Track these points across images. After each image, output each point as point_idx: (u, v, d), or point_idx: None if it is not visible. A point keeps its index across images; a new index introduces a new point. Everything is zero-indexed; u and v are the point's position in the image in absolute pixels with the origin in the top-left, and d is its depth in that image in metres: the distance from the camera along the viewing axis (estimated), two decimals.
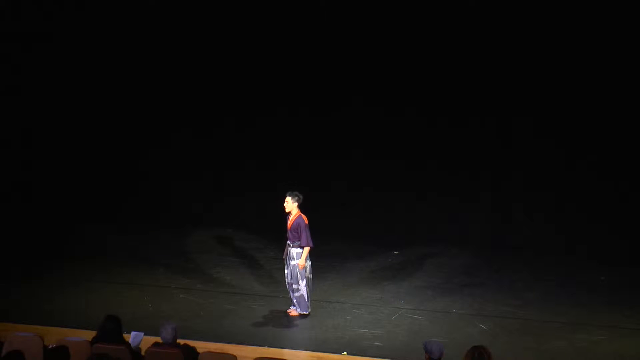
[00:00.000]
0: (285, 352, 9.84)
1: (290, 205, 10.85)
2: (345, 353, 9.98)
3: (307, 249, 10.79)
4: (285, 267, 11.00)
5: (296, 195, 10.85)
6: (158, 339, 8.12)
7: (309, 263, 10.92)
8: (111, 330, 8.12)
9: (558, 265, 13.19)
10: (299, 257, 10.82)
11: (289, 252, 10.91)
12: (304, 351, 10.05)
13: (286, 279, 11.04)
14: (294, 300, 11.01)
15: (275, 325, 10.81)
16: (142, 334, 8.45)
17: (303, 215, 10.85)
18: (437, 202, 14.26)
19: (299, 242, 10.80)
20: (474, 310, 11.41)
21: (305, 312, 11.00)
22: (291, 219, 10.87)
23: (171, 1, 14.66)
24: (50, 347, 7.75)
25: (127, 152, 15.20)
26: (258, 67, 14.60)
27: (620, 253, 13.31)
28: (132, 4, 14.71)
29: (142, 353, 8.16)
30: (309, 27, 14.30)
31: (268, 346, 10.01)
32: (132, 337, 8.37)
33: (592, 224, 13.61)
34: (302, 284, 10.89)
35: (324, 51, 14.31)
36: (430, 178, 14.21)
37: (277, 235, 14.20)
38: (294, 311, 11.06)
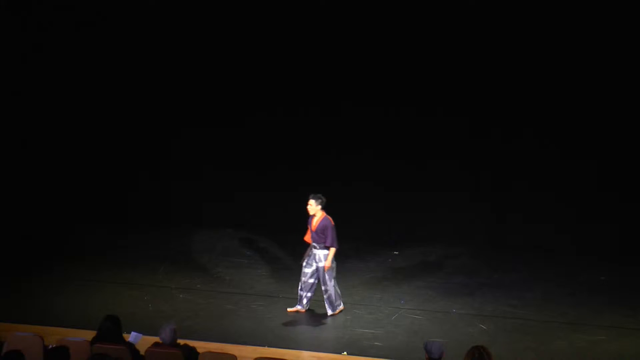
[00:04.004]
0: (285, 352, 9.83)
1: (314, 208, 10.95)
2: (345, 353, 9.98)
3: (333, 250, 10.89)
4: (305, 266, 11.05)
5: (319, 198, 10.97)
6: (158, 339, 8.12)
7: (334, 264, 11.00)
8: (111, 330, 8.12)
9: (558, 265, 13.17)
10: (325, 259, 10.90)
11: (315, 254, 10.98)
12: (304, 351, 10.05)
13: (302, 277, 11.07)
14: (325, 302, 11.06)
15: (275, 325, 10.82)
16: (141, 335, 8.45)
17: (329, 217, 10.95)
18: (437, 202, 14.22)
19: (325, 244, 10.88)
20: (474, 310, 11.41)
21: (334, 312, 11.06)
22: (316, 221, 10.95)
23: (171, 3, 14.67)
24: (50, 347, 7.76)
25: (128, 151, 15.19)
26: (257, 67, 14.58)
27: (620, 253, 13.31)
28: (133, 5, 14.73)
29: (142, 353, 8.16)
30: (309, 26, 14.30)
31: (268, 346, 10.01)
32: (132, 338, 8.37)
33: (592, 224, 13.59)
34: (331, 284, 10.97)
35: (323, 51, 14.30)
36: (430, 178, 14.19)
37: (276, 235, 14.27)
38: (295, 309, 11.11)
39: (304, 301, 11.14)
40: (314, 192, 11.10)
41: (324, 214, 10.97)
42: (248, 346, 9.91)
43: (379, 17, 13.95)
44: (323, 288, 11.00)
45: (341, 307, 11.16)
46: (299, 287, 11.16)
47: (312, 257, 11.01)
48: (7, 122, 15.05)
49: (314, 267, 11.00)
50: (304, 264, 11.09)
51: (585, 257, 13.33)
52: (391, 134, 14.35)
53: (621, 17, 13.10)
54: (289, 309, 11.20)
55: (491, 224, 14.15)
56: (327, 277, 10.93)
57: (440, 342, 7.50)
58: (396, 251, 13.75)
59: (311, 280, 11.06)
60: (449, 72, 13.94)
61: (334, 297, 11.04)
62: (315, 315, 11.11)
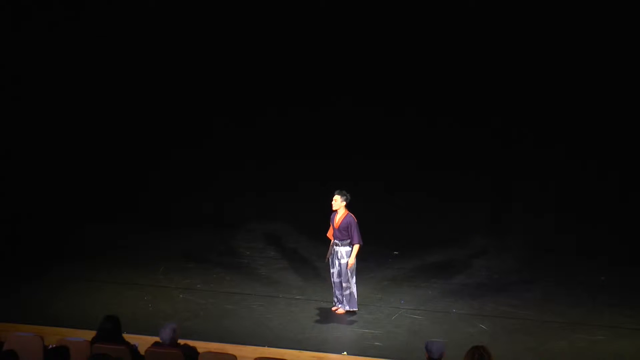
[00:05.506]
0: (286, 352, 9.82)
1: (339, 204, 10.95)
2: (345, 353, 9.98)
3: (357, 247, 10.90)
4: (331, 266, 11.05)
5: (345, 195, 10.95)
6: (158, 339, 8.12)
7: (354, 261, 11.00)
8: (110, 330, 8.11)
9: (558, 265, 13.18)
10: (348, 256, 10.90)
11: (337, 251, 10.97)
12: (304, 351, 10.04)
13: (332, 278, 11.09)
14: (342, 299, 11.05)
15: (275, 325, 10.82)
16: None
17: (352, 214, 10.93)
18: (437, 202, 14.24)
19: (348, 241, 10.88)
20: (474, 310, 11.42)
21: (355, 309, 11.06)
22: (339, 218, 10.95)
23: (172, 4, 14.67)
24: (50, 347, 7.75)
25: (129, 152, 15.19)
26: (254, 67, 14.61)
27: (620, 253, 13.31)
28: (135, 6, 14.74)
29: (142, 353, 8.16)
30: (310, 27, 14.30)
31: (268, 346, 10.01)
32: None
33: (592, 224, 13.60)
34: (352, 281, 10.97)
35: (324, 50, 14.31)
36: (430, 178, 14.20)
37: (276, 235, 14.27)
38: (340, 309, 11.10)
39: (343, 300, 11.12)
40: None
41: (347, 211, 10.96)
42: (248, 346, 9.90)
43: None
44: (344, 285, 10.97)
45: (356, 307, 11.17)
46: (333, 288, 11.16)
47: (334, 255, 11.01)
48: (8, 121, 15.05)
49: (338, 266, 11.00)
50: (330, 264, 11.08)
51: (585, 257, 13.33)
52: (392, 135, 14.35)
53: (622, 18, 13.12)
54: (332, 309, 11.17)
55: (491, 224, 14.15)
56: (349, 274, 10.92)
57: (440, 342, 7.49)
58: (396, 251, 13.75)
59: (339, 279, 11.04)
60: (450, 73, 13.95)
61: (355, 295, 11.03)
62: (315, 315, 11.10)
